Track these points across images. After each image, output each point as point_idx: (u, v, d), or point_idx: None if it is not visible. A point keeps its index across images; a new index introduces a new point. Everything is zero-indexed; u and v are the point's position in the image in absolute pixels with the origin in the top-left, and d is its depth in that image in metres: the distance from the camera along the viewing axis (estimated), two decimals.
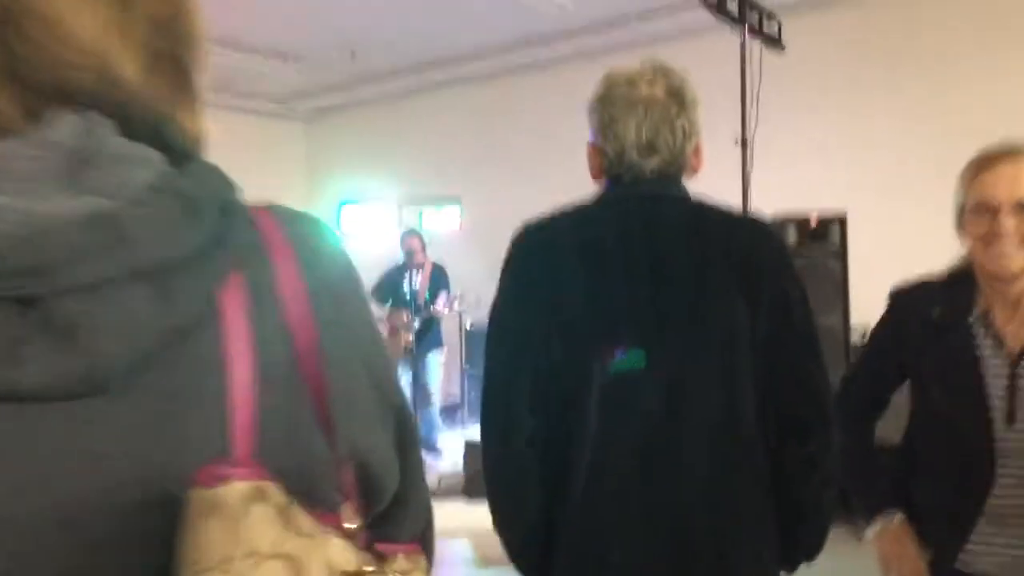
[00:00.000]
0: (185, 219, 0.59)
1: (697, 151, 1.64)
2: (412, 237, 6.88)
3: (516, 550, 1.62)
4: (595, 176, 1.67)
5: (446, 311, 6.76)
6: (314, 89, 9.75)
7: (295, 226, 0.70)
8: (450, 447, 6.59)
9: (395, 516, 0.75)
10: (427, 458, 6.35)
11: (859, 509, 1.96)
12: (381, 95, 9.50)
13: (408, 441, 0.76)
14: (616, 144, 1.57)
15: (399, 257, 6.98)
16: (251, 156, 10.03)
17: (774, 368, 1.53)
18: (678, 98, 1.57)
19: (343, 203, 8.25)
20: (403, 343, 6.64)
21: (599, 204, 1.63)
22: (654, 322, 1.52)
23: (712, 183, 1.83)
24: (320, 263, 0.69)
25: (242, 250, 0.63)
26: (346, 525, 0.64)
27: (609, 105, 1.58)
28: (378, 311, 6.86)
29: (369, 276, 7.05)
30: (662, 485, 1.50)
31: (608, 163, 1.61)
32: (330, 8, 7.18)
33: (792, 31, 4.71)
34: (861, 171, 6.37)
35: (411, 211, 7.73)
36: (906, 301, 1.91)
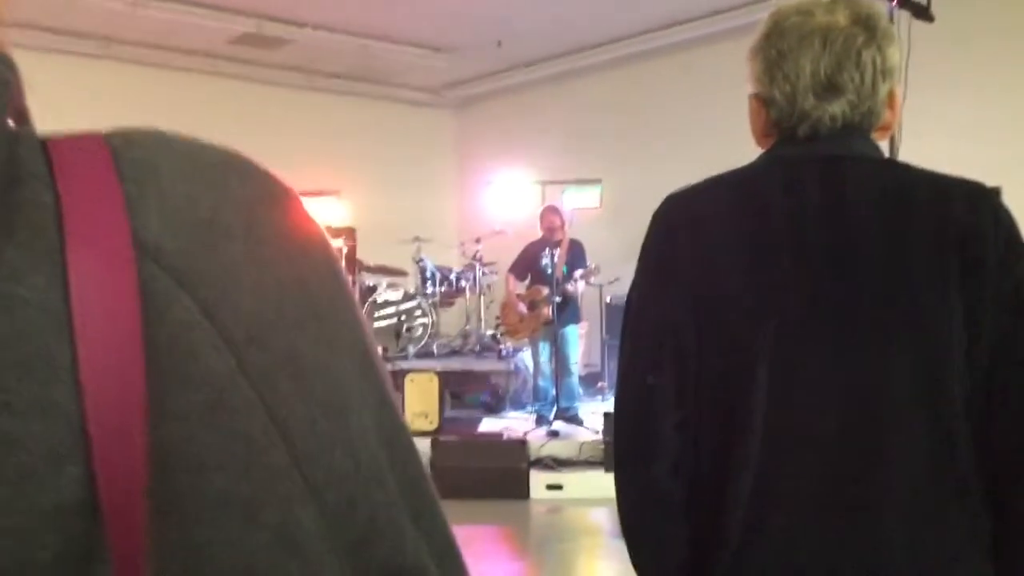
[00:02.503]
0: None
1: (892, 99, 1.28)
2: (553, 214, 7.07)
3: None
4: (760, 138, 1.34)
5: (581, 284, 6.97)
6: (463, 78, 10.28)
7: (139, 152, 0.39)
8: (590, 416, 6.88)
9: None
10: (568, 428, 6.68)
11: None
12: (525, 82, 9.95)
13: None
14: (786, 87, 1.25)
15: (537, 234, 7.20)
16: (406, 143, 10.73)
17: (997, 387, 1.19)
18: (866, 26, 1.25)
19: (488, 186, 8.67)
20: (542, 318, 6.95)
21: (764, 167, 1.31)
22: (834, 321, 1.21)
23: None
24: (185, 214, 0.39)
25: None
26: None
27: (777, 39, 1.26)
28: (517, 287, 7.20)
29: (512, 255, 7.45)
30: (848, 532, 1.19)
31: (777, 115, 1.28)
32: (477, 1, 7.62)
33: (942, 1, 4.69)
34: (1013, 149, 6.19)
35: (553, 191, 8.04)
36: None
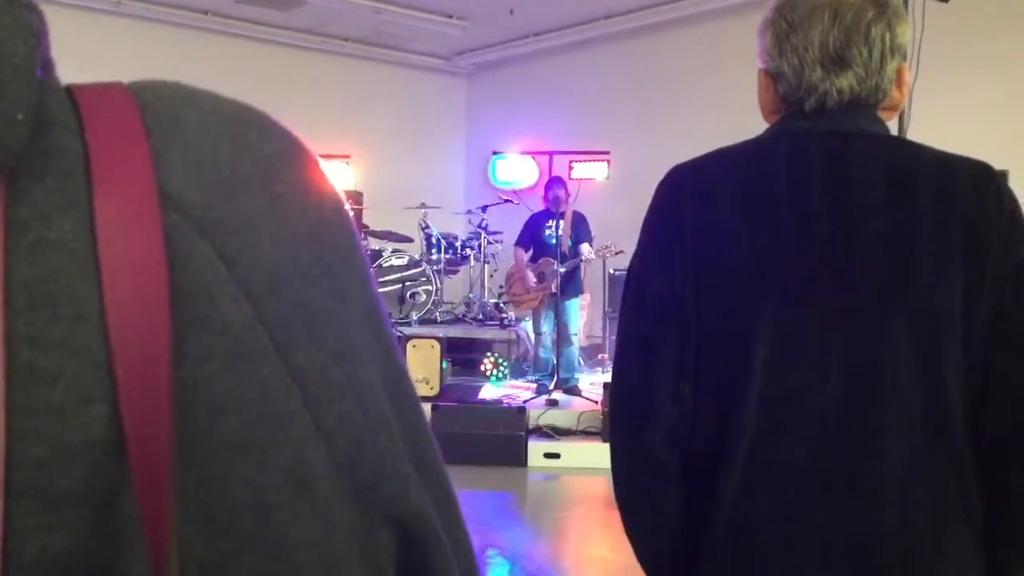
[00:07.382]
0: None
1: (900, 77, 1.28)
2: (559, 186, 7.06)
3: (650, 565, 1.34)
4: (767, 114, 1.34)
5: (592, 258, 7.01)
6: (475, 46, 10.23)
7: (164, 106, 0.40)
8: (590, 387, 6.94)
9: None
10: (567, 398, 6.74)
11: None
12: (536, 51, 9.90)
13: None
14: (794, 59, 1.25)
15: (539, 205, 7.23)
16: (416, 109, 10.69)
17: (993, 366, 1.20)
18: (876, 2, 1.24)
19: (495, 155, 8.66)
20: (548, 290, 6.98)
21: (769, 141, 1.31)
22: (834, 295, 1.21)
23: None
24: (207, 168, 0.39)
25: (15, 141, 0.35)
26: None
27: (788, 11, 1.26)
28: (525, 259, 7.23)
29: (518, 225, 7.46)
30: (841, 505, 1.20)
31: (785, 89, 1.28)
32: None
33: None
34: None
35: (561, 162, 8.03)
36: None
